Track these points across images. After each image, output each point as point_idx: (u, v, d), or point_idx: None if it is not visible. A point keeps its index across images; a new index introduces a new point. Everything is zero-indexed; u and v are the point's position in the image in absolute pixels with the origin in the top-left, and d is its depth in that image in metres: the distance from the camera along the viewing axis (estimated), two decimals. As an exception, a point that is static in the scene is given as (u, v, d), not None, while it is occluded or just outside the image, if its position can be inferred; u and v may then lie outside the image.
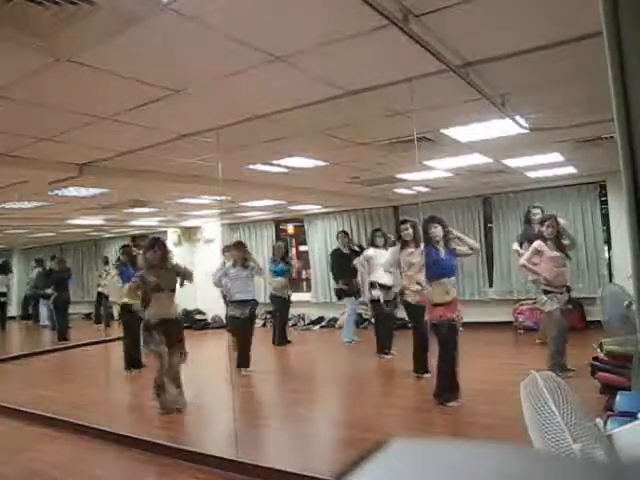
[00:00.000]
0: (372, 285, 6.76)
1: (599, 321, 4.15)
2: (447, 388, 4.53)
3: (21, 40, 2.25)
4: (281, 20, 2.26)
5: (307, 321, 10.30)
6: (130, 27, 2.20)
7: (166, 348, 4.96)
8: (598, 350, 4.13)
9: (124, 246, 7.63)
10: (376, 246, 6.90)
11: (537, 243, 5.20)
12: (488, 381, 5.10)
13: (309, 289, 10.77)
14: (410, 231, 5.52)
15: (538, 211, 6.46)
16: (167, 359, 4.95)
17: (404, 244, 5.58)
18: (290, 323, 10.38)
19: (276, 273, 8.28)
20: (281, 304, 8.31)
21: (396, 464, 0.39)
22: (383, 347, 6.72)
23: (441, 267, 4.65)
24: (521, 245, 6.47)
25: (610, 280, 7.64)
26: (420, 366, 5.54)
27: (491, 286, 8.77)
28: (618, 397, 2.72)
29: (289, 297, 8.41)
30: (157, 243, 5.17)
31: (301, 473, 3.22)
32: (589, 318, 7.43)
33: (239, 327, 6.49)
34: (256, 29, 2.32)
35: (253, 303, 6.58)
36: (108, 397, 5.69)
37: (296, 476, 3.23)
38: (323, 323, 10.08)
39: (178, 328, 5.17)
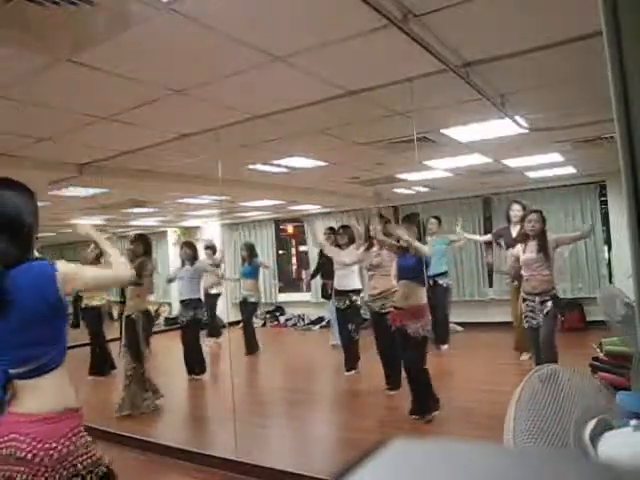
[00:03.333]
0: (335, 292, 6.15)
1: (599, 321, 4.13)
2: (418, 402, 4.18)
3: (21, 40, 2.25)
4: (281, 20, 2.26)
5: (307, 321, 10.31)
6: (130, 27, 2.20)
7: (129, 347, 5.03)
8: (598, 350, 4.13)
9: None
10: (338, 246, 6.12)
11: (515, 250, 4.62)
12: (488, 381, 5.10)
13: (309, 289, 10.77)
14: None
15: (519, 207, 5.77)
16: (126, 358, 5.03)
17: (371, 244, 5.21)
18: (290, 323, 10.41)
19: (241, 275, 7.86)
20: (244, 308, 7.73)
21: (396, 464, 0.39)
22: (346, 363, 5.98)
23: (399, 269, 4.43)
24: (497, 242, 6.17)
25: (610, 280, 7.65)
26: (387, 381, 5.07)
27: (491, 286, 8.77)
28: (618, 397, 2.72)
29: (255, 302, 7.77)
30: (137, 237, 5.46)
31: (300, 473, 3.22)
32: (589, 318, 7.43)
33: (184, 329, 6.30)
34: (256, 29, 2.32)
35: (197, 303, 6.31)
36: (107, 397, 5.68)
37: (295, 476, 3.23)
38: (323, 323, 10.08)
39: (129, 326, 5.09)
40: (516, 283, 5.58)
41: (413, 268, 4.19)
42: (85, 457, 1.63)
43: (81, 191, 5.95)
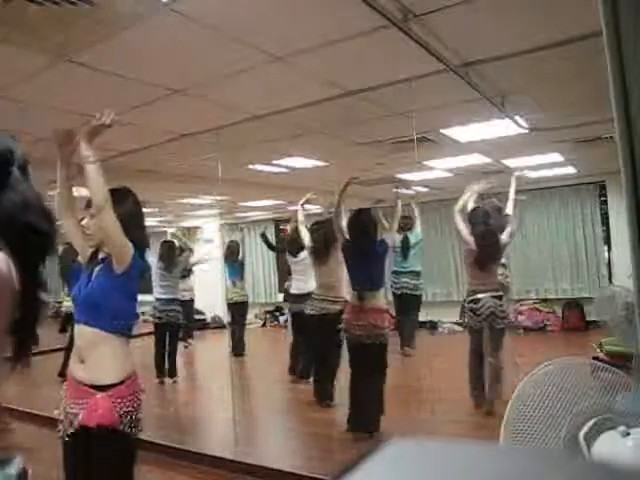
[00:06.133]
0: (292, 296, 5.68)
1: (599, 321, 4.10)
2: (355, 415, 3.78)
3: (21, 40, 2.25)
4: (281, 20, 2.26)
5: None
6: (130, 27, 2.20)
7: None
8: (598, 350, 4.13)
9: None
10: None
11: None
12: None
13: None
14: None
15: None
16: None
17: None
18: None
19: (228, 275, 7.41)
20: (231, 309, 7.36)
21: (396, 464, 0.39)
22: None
23: (355, 277, 3.98)
24: None
25: (610, 280, 7.64)
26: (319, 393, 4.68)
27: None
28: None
29: (239, 302, 7.24)
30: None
31: (300, 473, 3.22)
32: (589, 318, 7.42)
33: (158, 329, 5.99)
34: (256, 29, 2.32)
35: (176, 304, 6.04)
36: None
37: (295, 476, 3.23)
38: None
39: None
40: None
41: (373, 274, 3.80)
42: None
43: (81, 191, 5.92)
